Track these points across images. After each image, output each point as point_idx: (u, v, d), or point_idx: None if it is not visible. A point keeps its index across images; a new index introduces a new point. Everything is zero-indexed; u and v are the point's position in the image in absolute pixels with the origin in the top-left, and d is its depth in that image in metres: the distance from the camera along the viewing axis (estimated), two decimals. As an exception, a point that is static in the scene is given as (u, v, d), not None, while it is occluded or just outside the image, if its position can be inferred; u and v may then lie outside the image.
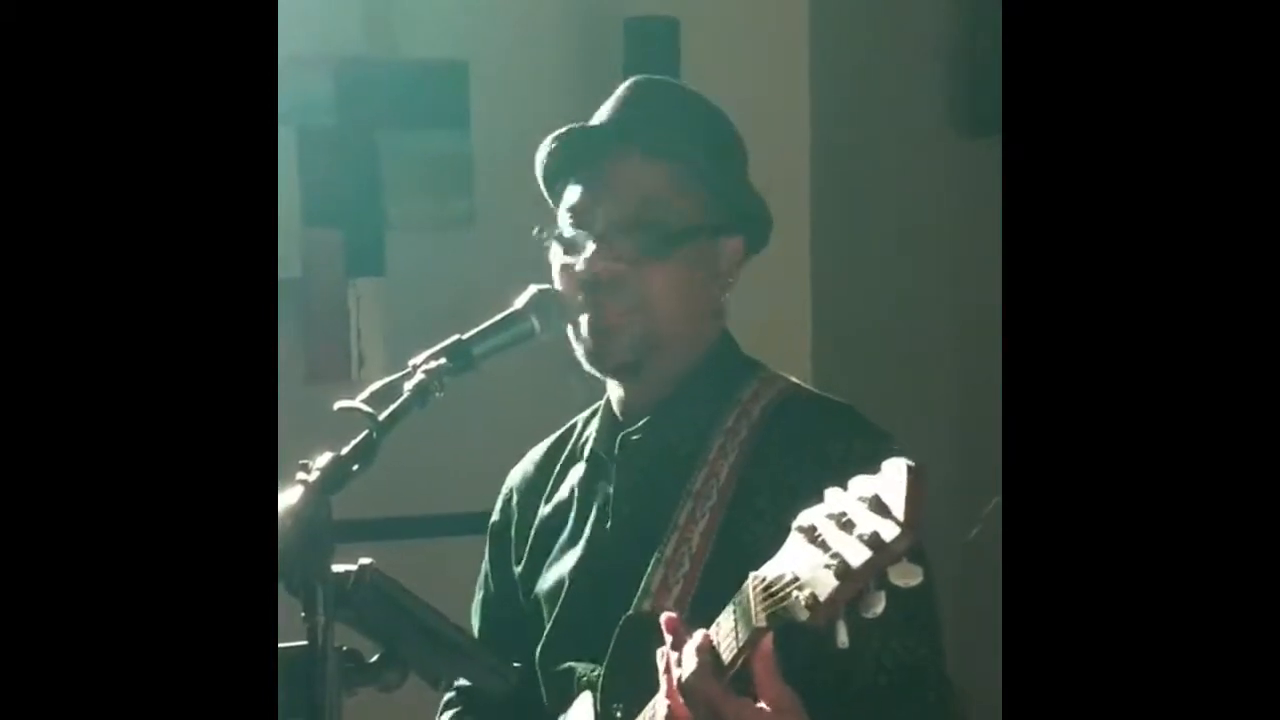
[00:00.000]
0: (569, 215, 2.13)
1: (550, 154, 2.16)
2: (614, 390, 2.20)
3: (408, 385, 1.87)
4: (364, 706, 1.79)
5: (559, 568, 2.20)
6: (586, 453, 2.23)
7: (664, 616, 1.86)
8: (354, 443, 1.78)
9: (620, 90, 2.19)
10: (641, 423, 2.15)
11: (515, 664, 1.90)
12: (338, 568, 1.71)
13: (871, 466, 1.65)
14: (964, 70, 4.45)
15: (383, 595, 1.76)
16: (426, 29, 4.09)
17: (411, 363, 1.90)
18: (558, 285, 2.12)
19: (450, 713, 2.32)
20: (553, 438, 2.36)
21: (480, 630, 2.35)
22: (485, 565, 2.37)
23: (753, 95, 3.08)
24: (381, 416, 1.81)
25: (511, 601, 2.29)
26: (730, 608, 1.77)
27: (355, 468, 1.76)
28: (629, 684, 1.99)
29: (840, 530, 1.61)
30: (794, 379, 2.19)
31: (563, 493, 2.26)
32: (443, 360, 1.90)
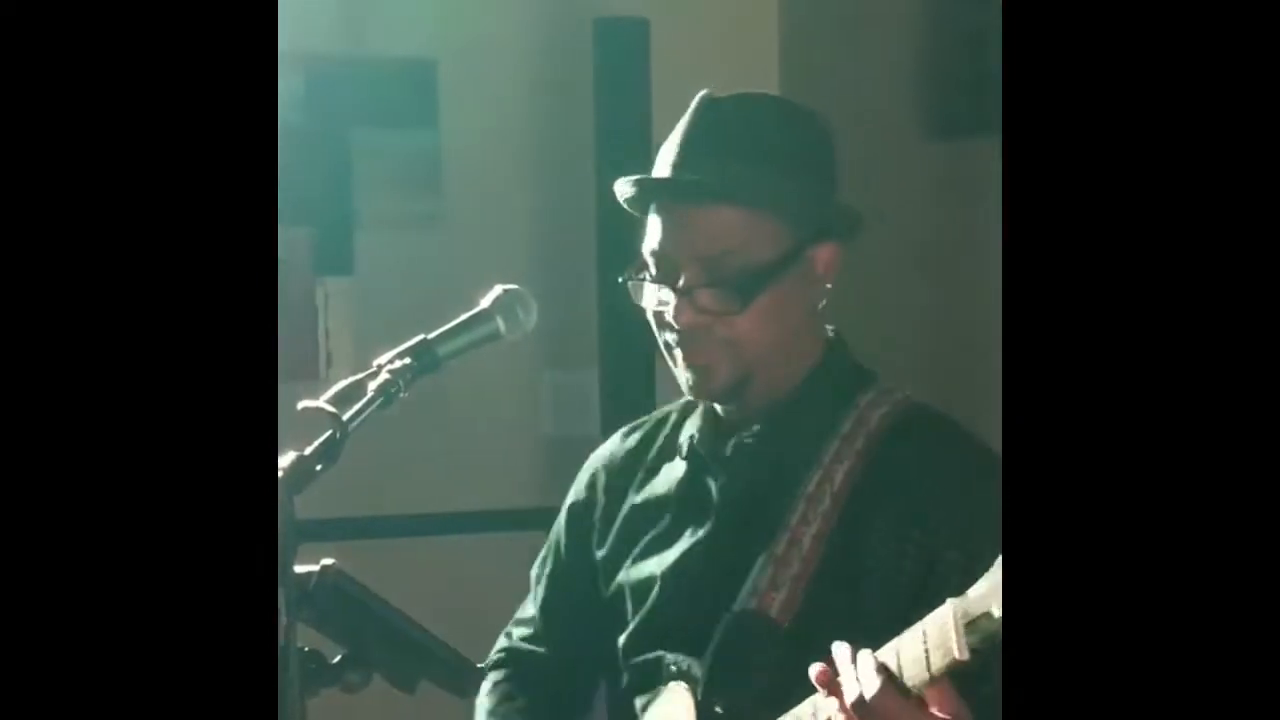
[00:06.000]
0: (650, 258, 2.12)
1: (626, 196, 2.16)
2: None
3: (372, 385, 1.86)
4: (327, 708, 1.79)
5: (652, 563, 2.20)
6: (686, 451, 2.22)
7: (814, 670, 1.81)
8: (318, 442, 1.77)
9: (688, 120, 2.15)
10: (755, 429, 2.14)
11: (479, 665, 1.90)
12: (299, 568, 1.71)
13: (990, 492, 1.66)
14: (933, 72, 4.45)
15: (345, 596, 1.75)
16: (395, 28, 4.08)
17: (376, 362, 1.89)
18: (650, 321, 2.13)
19: (494, 696, 2.33)
20: (642, 425, 2.34)
21: (545, 599, 2.36)
22: (558, 538, 2.37)
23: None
24: (345, 416, 1.80)
25: (584, 582, 2.29)
26: (919, 634, 1.73)
27: (319, 467, 1.76)
28: (732, 682, 1.99)
29: (955, 635, 1.66)
30: (912, 396, 2.16)
31: (658, 487, 2.24)
32: (407, 360, 1.90)
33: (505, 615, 2.48)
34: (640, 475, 2.28)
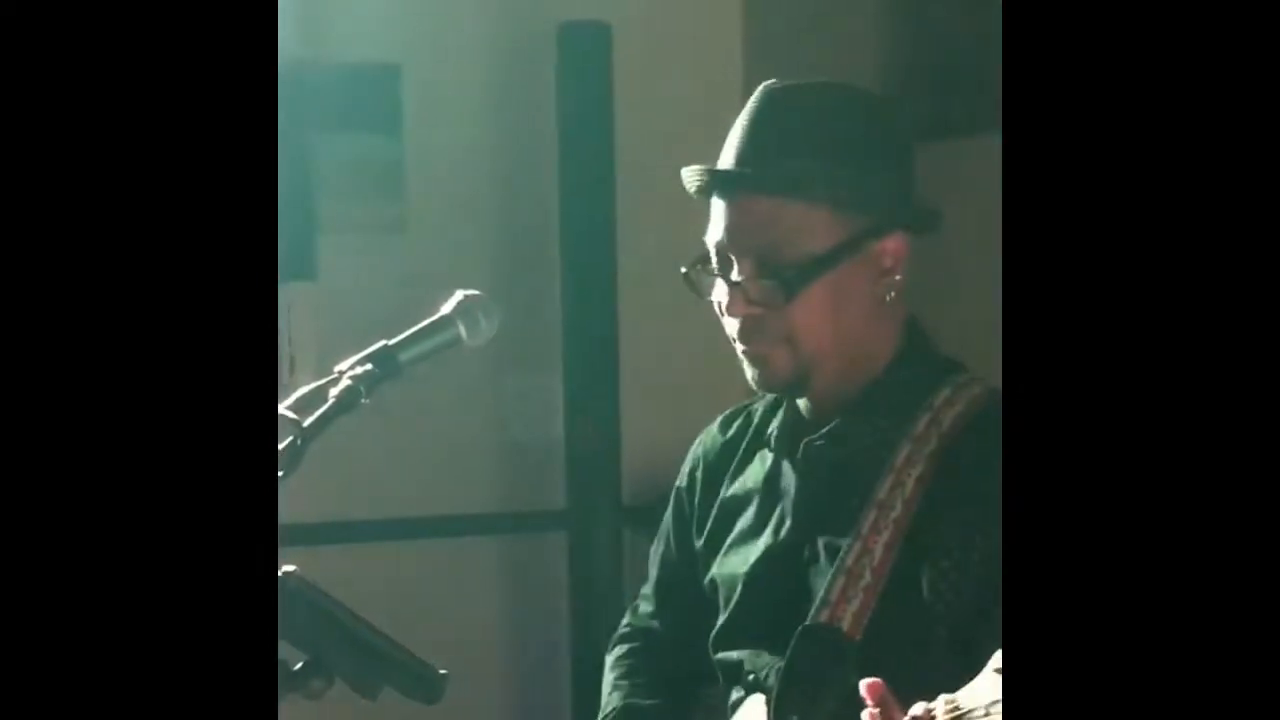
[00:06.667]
0: (712, 248, 2.12)
1: (691, 186, 2.14)
2: None
3: (333, 391, 1.86)
4: (289, 714, 1.78)
5: (738, 557, 2.20)
6: (772, 444, 2.20)
7: (865, 684, 1.78)
8: (278, 449, 1.77)
9: (750, 110, 2.13)
10: (826, 429, 2.12)
11: (442, 671, 1.89)
12: (261, 574, 1.70)
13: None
14: (898, 75, 4.46)
15: (306, 602, 1.75)
16: (358, 32, 4.08)
17: (337, 368, 1.89)
18: (715, 311, 2.12)
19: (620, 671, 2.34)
20: (737, 413, 2.33)
21: (657, 579, 2.37)
22: (666, 523, 2.37)
23: (687, 97, 3.09)
24: (306, 423, 1.80)
25: (688, 567, 2.29)
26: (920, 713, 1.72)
27: (280, 474, 1.75)
28: (806, 696, 1.98)
29: None
30: (995, 385, 2.10)
31: (748, 478, 2.24)
32: (369, 366, 1.89)
33: (468, 620, 2.48)
34: (734, 465, 2.27)
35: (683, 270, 2.15)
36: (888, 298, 2.12)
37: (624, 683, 2.32)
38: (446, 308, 2.01)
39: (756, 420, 2.27)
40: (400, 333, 1.96)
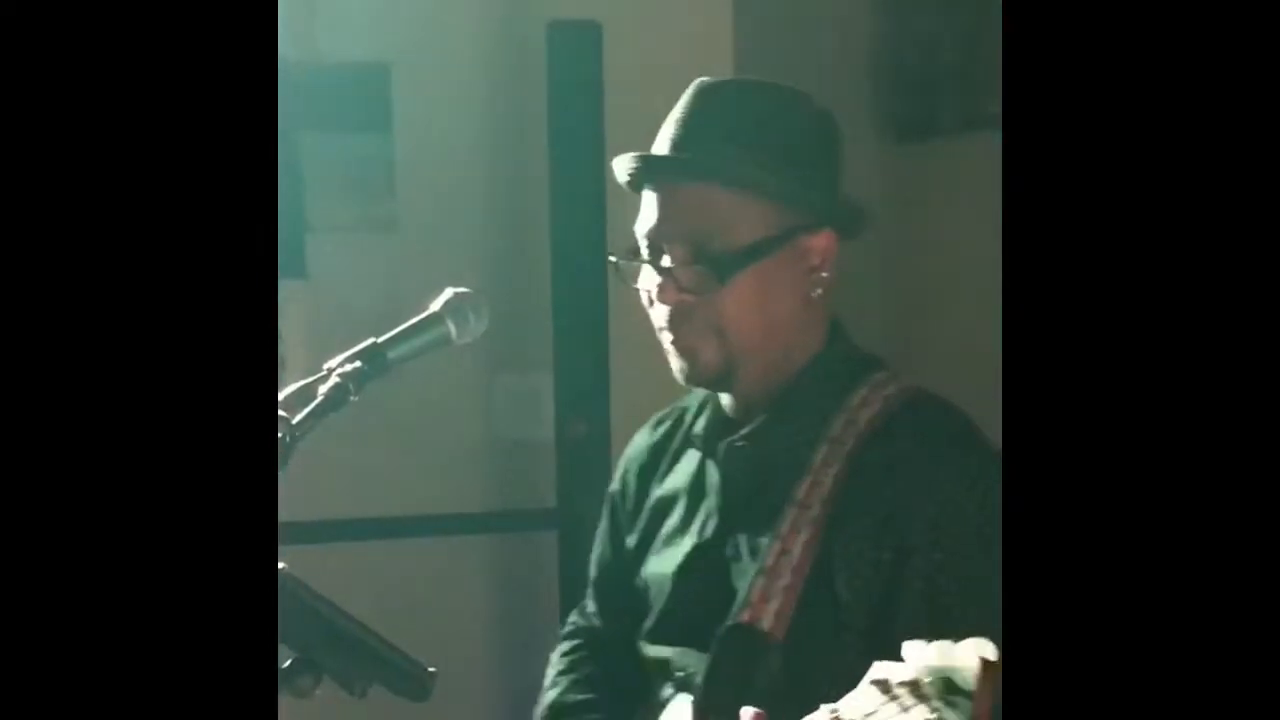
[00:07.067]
0: (643, 238, 2.14)
1: (623, 177, 2.17)
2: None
3: (322, 389, 1.86)
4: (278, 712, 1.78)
5: (667, 556, 2.22)
6: (699, 443, 2.23)
7: (747, 715, 1.81)
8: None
9: (686, 100, 2.16)
10: (746, 430, 2.14)
11: (430, 669, 1.89)
12: (249, 573, 1.70)
13: (971, 497, 1.81)
14: (889, 75, 4.46)
15: (295, 599, 1.75)
16: (348, 32, 4.07)
17: (326, 366, 1.89)
18: (643, 302, 2.13)
19: (567, 681, 2.35)
20: (668, 414, 2.36)
21: (595, 580, 2.39)
22: (602, 526, 2.40)
23: (677, 95, 3.06)
24: (295, 420, 1.80)
25: (625, 570, 2.31)
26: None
27: (270, 472, 1.76)
28: (729, 696, 1.98)
29: (915, 699, 1.59)
30: (913, 383, 2.15)
31: (676, 478, 2.26)
32: (358, 364, 1.90)
33: (458, 619, 2.48)
34: (665, 465, 2.29)
35: (610, 259, 2.16)
36: (814, 294, 2.14)
37: (562, 679, 2.35)
38: (436, 305, 2.01)
39: (687, 420, 2.29)
40: (389, 330, 1.96)
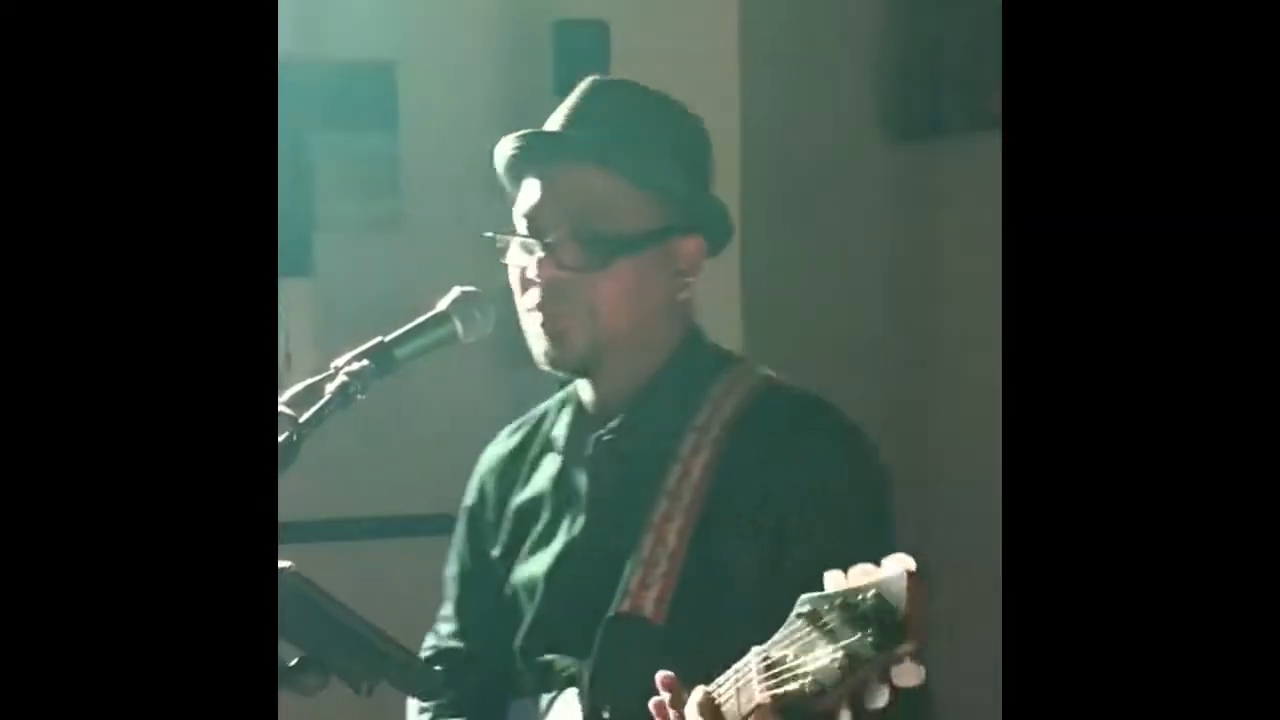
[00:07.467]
0: (522, 219, 2.15)
1: (507, 155, 2.19)
2: (584, 387, 2.21)
3: (329, 387, 1.86)
4: (284, 710, 1.78)
5: (536, 561, 2.21)
6: (560, 446, 2.23)
7: (660, 676, 1.85)
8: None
9: (577, 92, 2.20)
10: (613, 424, 2.15)
11: (437, 668, 1.90)
12: (257, 571, 1.70)
13: (843, 469, 1.84)
14: (895, 74, 4.46)
15: (302, 598, 1.75)
16: (354, 30, 4.07)
17: (334, 364, 1.90)
18: (512, 285, 2.14)
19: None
20: (524, 423, 2.35)
21: (457, 598, 2.36)
22: (459, 541, 2.37)
23: (683, 94, 3.05)
24: (302, 419, 1.80)
25: (487, 582, 2.29)
26: (733, 675, 1.77)
27: (276, 470, 1.76)
28: (616, 686, 2.01)
29: (845, 624, 1.61)
30: (770, 372, 2.19)
31: (538, 483, 2.26)
32: (365, 362, 1.90)
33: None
34: (524, 473, 2.29)
35: (488, 234, 2.17)
36: (680, 297, 2.17)
37: (426, 713, 2.31)
38: (443, 304, 2.02)
39: (545, 426, 2.30)
40: (396, 329, 1.96)
